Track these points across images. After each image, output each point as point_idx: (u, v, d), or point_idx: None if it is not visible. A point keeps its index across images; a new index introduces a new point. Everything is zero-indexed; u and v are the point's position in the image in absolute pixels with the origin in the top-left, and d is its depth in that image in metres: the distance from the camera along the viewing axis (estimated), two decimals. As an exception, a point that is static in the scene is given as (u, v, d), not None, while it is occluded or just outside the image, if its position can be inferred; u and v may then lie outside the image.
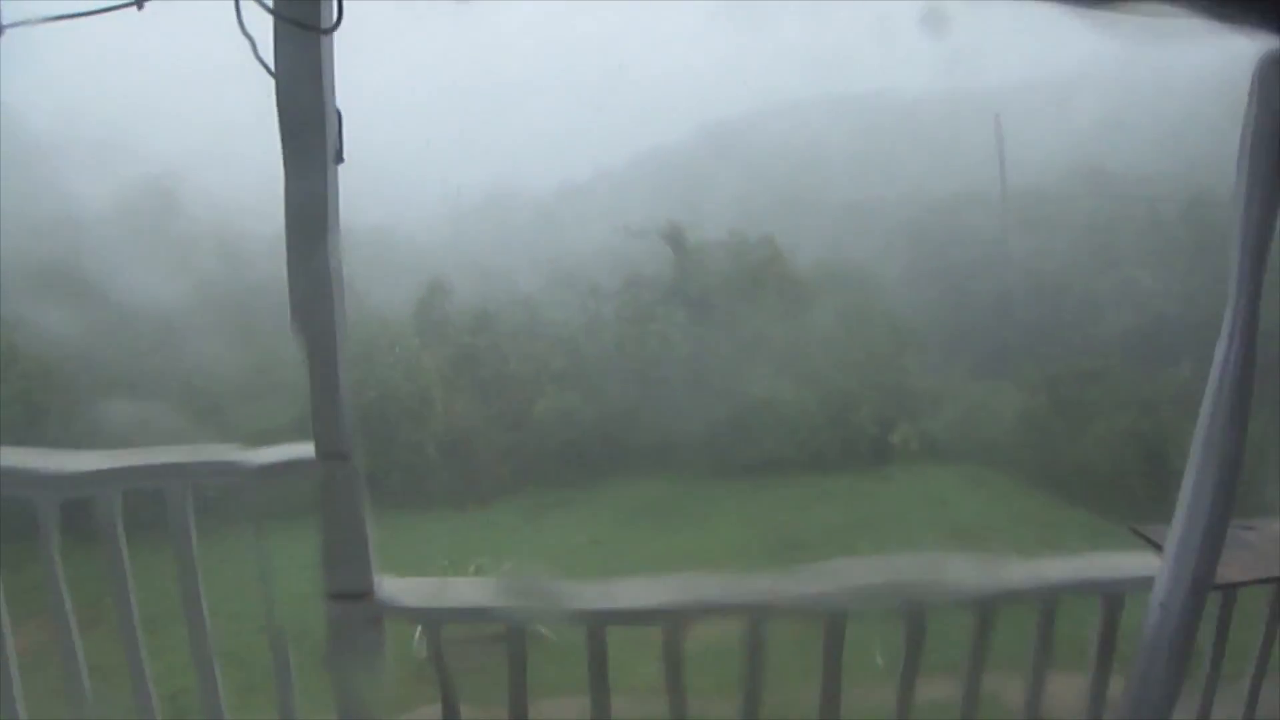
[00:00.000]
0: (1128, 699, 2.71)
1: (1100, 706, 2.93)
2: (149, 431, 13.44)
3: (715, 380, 18.49)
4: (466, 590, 3.01)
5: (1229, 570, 2.76)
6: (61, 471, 2.67)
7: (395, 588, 2.66)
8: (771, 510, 16.22)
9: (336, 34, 2.14)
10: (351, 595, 2.55)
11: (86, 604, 2.78)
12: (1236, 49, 2.32)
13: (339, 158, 2.22)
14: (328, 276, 2.32)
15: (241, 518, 2.61)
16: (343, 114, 2.22)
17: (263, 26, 2.08)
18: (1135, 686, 2.70)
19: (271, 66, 2.12)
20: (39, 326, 14.78)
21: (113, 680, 2.87)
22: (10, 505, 2.61)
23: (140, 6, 1.99)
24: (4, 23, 1.98)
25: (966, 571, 3.09)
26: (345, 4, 2.08)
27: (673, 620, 2.80)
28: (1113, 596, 2.88)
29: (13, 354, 14.84)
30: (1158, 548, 2.77)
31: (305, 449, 2.50)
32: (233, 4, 1.97)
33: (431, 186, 21.83)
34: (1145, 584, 2.75)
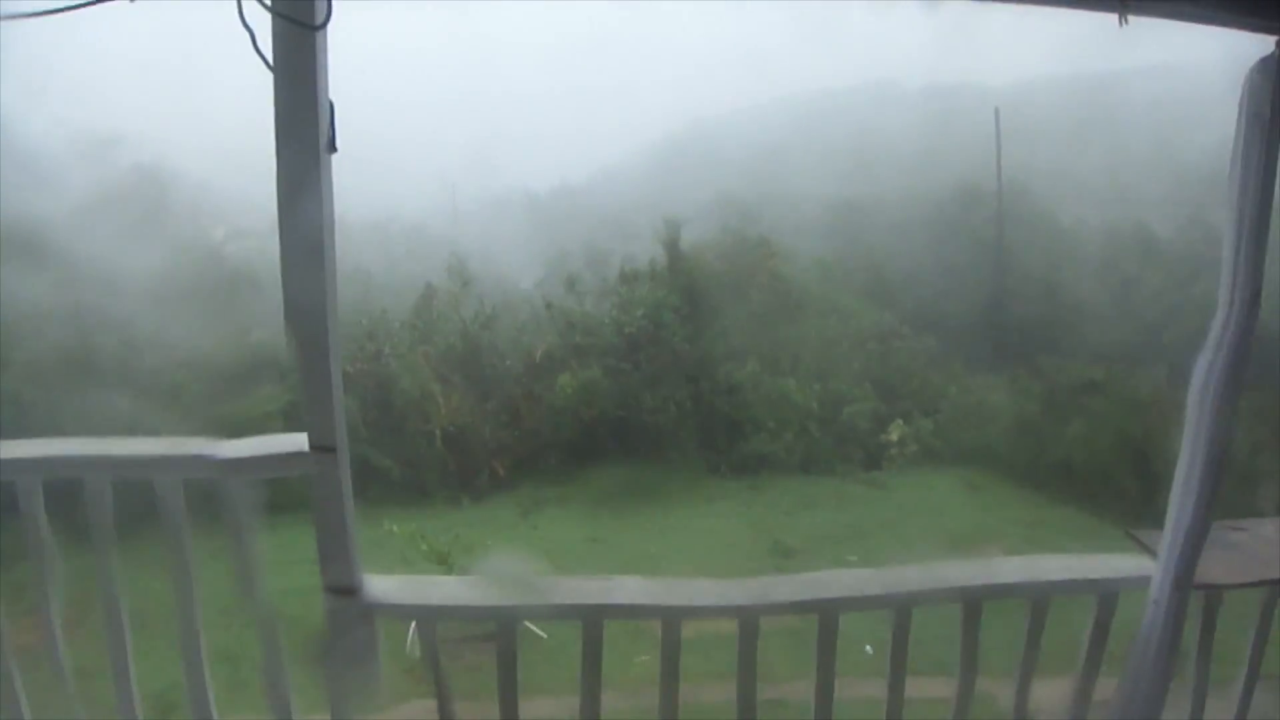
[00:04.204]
0: (1120, 696, 2.73)
1: (1086, 705, 2.94)
2: (136, 419, 13.45)
3: (709, 378, 18.52)
4: (457, 588, 3.00)
5: (1216, 571, 2.77)
6: (47, 455, 2.66)
7: (383, 584, 2.65)
8: (765, 510, 16.24)
9: (336, 29, 2.16)
10: (338, 590, 2.55)
11: (71, 601, 2.77)
12: (1234, 50, 2.32)
13: (332, 148, 2.23)
14: (321, 268, 2.31)
15: (228, 511, 2.59)
16: (334, 106, 2.23)
17: (261, 19, 2.10)
18: (1128, 683, 2.72)
19: (269, 59, 2.14)
20: (24, 310, 14.76)
21: (100, 675, 2.86)
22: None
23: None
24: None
25: (959, 572, 3.09)
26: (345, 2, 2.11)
27: (668, 618, 2.79)
28: (1106, 596, 2.89)
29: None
30: (1150, 551, 2.78)
31: (295, 440, 2.49)
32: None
33: (429, 182, 21.84)
34: (1137, 584, 2.77)
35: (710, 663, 3.33)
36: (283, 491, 2.53)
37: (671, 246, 19.59)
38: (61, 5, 1.96)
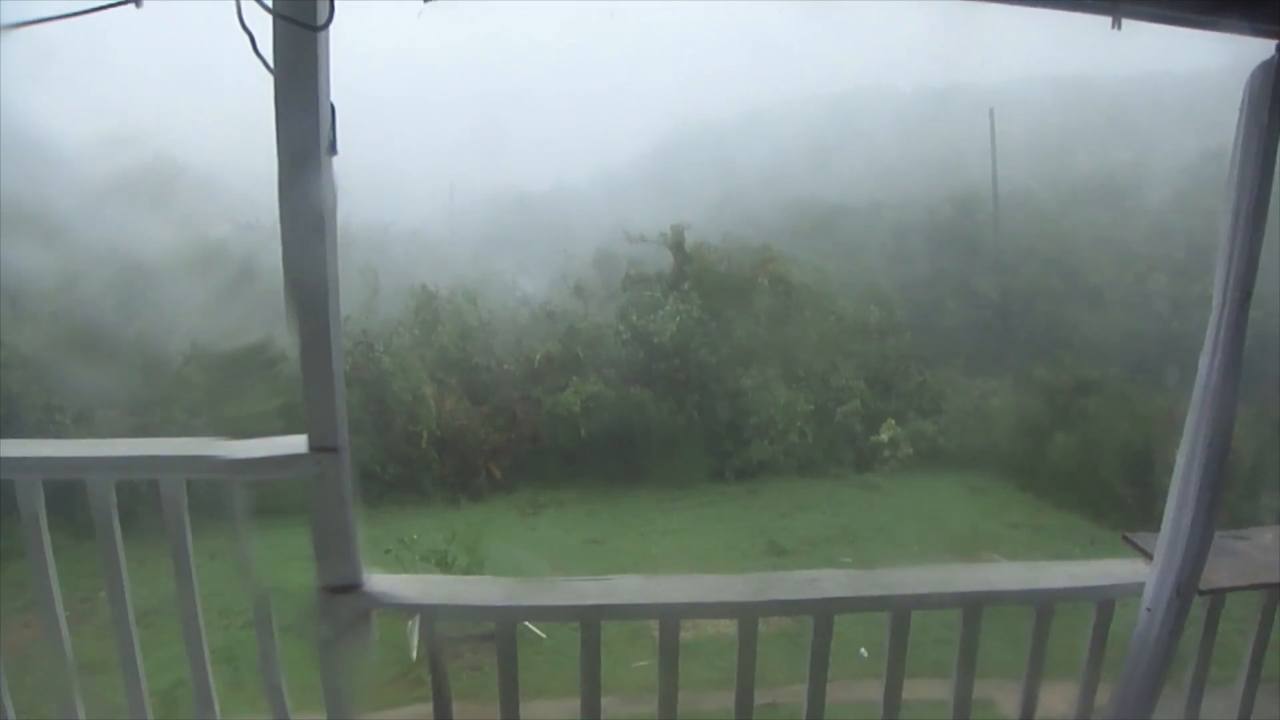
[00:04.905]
0: (1114, 701, 2.73)
1: (1088, 710, 2.93)
2: (138, 419, 13.44)
3: (717, 384, 18.53)
4: (456, 586, 2.99)
5: (1217, 576, 2.77)
6: (50, 455, 2.65)
7: (382, 583, 2.65)
8: (763, 514, 16.24)
9: (337, 31, 2.18)
10: (339, 588, 2.55)
11: (76, 600, 2.77)
12: (1233, 54, 2.33)
13: (333, 149, 2.24)
14: (323, 269, 2.31)
15: (229, 511, 2.59)
16: (336, 109, 2.24)
17: (262, 22, 2.11)
18: (1121, 688, 2.72)
19: (269, 61, 2.15)
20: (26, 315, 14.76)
21: (102, 674, 2.86)
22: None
23: (139, 4, 2.02)
24: (2, 22, 2.00)
25: (959, 577, 3.08)
26: (345, 2, 2.12)
27: (666, 617, 2.78)
28: (1104, 602, 2.88)
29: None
30: (1147, 555, 2.78)
31: (296, 442, 2.49)
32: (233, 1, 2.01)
33: (428, 184, 21.85)
34: (1134, 590, 2.77)
35: (710, 669, 3.33)
36: (288, 492, 2.53)
37: (678, 250, 19.58)
38: (73, 10, 1.98)
